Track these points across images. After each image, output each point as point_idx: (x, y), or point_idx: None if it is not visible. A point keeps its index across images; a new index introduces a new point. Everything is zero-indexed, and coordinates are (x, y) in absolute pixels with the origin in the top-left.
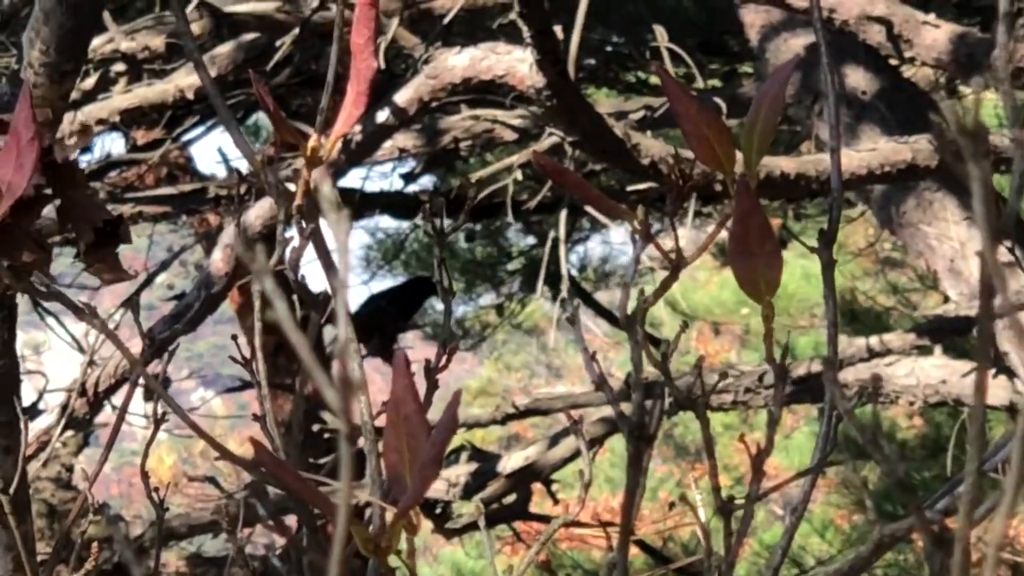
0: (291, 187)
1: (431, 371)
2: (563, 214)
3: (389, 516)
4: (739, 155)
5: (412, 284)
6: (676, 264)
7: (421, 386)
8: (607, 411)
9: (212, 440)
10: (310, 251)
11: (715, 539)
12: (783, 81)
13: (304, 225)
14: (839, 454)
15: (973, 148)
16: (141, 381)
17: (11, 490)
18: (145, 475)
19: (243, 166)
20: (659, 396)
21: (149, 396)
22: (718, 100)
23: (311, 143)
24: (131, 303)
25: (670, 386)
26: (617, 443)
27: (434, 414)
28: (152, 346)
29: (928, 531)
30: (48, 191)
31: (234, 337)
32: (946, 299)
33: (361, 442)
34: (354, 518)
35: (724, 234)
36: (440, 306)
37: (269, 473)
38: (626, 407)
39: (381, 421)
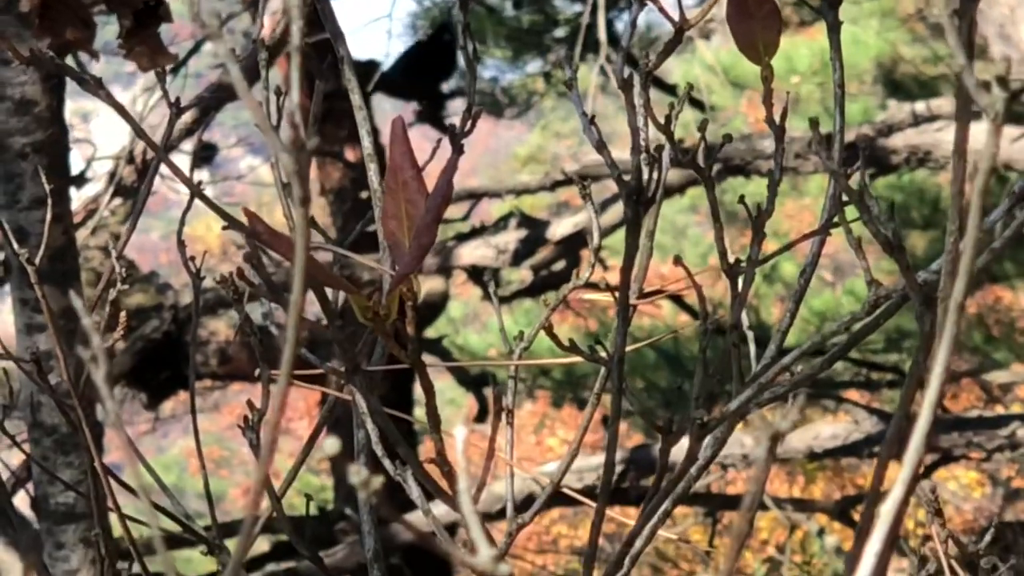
0: None
1: (455, 137)
2: None
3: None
4: None
5: (440, 39)
6: (680, 27)
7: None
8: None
9: (215, 205)
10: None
11: (763, 304)
12: None
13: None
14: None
15: None
16: (188, 149)
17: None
18: (181, 244)
19: None
20: (660, 160)
21: (196, 164)
22: None
23: None
24: (160, 74)
25: (674, 149)
26: (666, 208)
27: (478, 180)
28: (179, 115)
29: (916, 290)
30: None
31: (261, 104)
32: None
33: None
34: (355, 288)
35: None
36: (488, 73)
37: (264, 242)
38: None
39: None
